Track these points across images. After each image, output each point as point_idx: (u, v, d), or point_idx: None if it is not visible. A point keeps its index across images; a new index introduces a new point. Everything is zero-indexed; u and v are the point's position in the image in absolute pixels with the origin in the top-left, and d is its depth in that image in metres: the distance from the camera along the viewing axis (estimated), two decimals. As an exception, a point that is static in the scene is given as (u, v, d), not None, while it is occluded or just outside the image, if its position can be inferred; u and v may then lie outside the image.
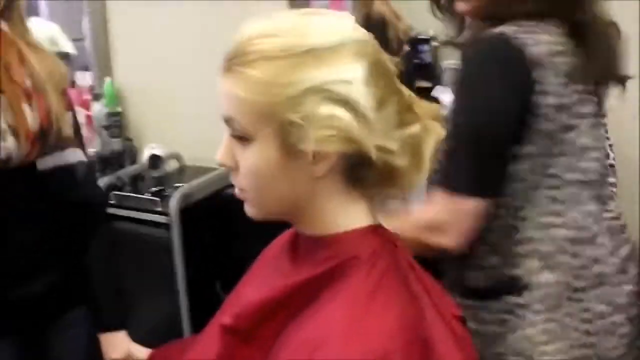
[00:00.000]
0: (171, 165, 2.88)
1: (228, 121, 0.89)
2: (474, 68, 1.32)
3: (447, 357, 0.89)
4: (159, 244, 2.51)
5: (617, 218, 1.41)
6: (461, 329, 0.98)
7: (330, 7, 2.78)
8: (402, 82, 0.95)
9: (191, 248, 2.52)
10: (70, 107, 1.68)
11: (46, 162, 1.59)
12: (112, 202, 2.60)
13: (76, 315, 1.71)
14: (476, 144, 1.30)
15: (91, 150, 2.83)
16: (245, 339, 0.94)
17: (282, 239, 1.05)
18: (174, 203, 2.46)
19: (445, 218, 1.32)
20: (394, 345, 0.82)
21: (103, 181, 2.62)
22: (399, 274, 0.91)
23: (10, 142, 1.51)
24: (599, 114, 1.39)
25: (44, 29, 3.39)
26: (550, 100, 1.27)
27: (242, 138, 0.88)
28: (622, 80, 1.39)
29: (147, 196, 2.61)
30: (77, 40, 3.34)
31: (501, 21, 1.30)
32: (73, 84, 3.07)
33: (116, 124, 2.99)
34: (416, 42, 2.83)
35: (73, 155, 1.63)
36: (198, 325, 1.01)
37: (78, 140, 1.68)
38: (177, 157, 2.90)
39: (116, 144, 2.97)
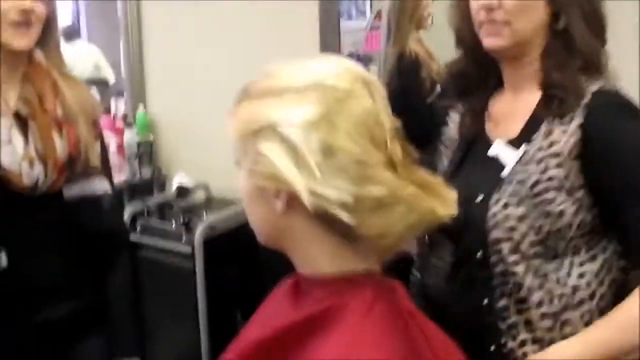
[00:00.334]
0: (198, 196, 2.90)
1: (237, 139, 0.95)
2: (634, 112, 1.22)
3: None
4: (182, 274, 2.52)
5: None
6: None
7: (365, 43, 2.81)
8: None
9: (214, 279, 2.52)
10: (99, 137, 1.70)
11: (72, 191, 1.61)
12: (138, 230, 2.62)
13: (95, 343, 1.72)
14: None
15: (121, 177, 2.86)
16: None
17: (289, 280, 1.05)
18: (198, 234, 2.47)
19: None
20: None
21: (130, 209, 2.64)
22: (392, 321, 0.90)
23: (38, 170, 1.54)
24: None
25: (89, 54, 3.48)
26: None
27: (237, 165, 0.95)
28: None
29: (173, 226, 2.62)
30: (114, 63, 3.42)
31: (523, 60, 1.29)
32: (107, 110, 3.11)
33: (147, 152, 3.03)
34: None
35: (99, 186, 1.65)
36: (218, 355, 1.01)
37: (105, 171, 1.70)
38: (204, 187, 2.91)
39: (146, 172, 3.00)
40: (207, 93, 2.90)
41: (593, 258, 1.24)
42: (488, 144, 1.32)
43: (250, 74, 0.97)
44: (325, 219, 0.89)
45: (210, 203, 2.87)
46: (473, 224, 1.24)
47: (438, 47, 2.53)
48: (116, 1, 3.13)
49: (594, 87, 1.22)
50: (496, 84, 1.38)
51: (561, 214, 1.20)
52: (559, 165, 1.20)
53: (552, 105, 1.23)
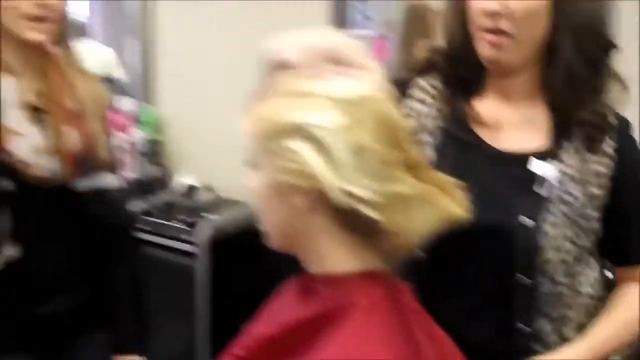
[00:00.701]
0: (205, 196, 2.92)
1: (244, 149, 0.96)
2: None
3: None
4: (186, 273, 2.53)
5: None
6: None
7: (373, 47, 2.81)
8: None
9: (218, 279, 2.53)
10: (108, 131, 1.72)
11: (82, 184, 1.63)
12: (143, 228, 2.63)
13: (97, 337, 1.73)
14: None
15: (129, 175, 2.88)
16: None
17: (296, 278, 1.06)
18: (203, 234, 2.48)
19: None
20: None
21: (137, 206, 2.65)
22: (399, 320, 0.92)
23: (50, 162, 1.55)
24: None
25: (99, 53, 3.49)
26: None
27: (253, 165, 0.96)
28: None
29: (178, 225, 2.63)
30: (125, 63, 3.45)
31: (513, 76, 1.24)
32: (116, 108, 3.13)
33: (155, 151, 3.05)
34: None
35: (108, 179, 1.67)
36: (217, 356, 1.03)
37: (113, 165, 1.72)
38: (211, 188, 2.93)
39: (153, 171, 3.02)
40: (216, 93, 2.92)
41: (594, 266, 1.28)
42: (491, 152, 1.25)
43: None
44: (346, 217, 0.91)
45: (216, 203, 2.89)
46: (521, 247, 1.19)
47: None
48: (127, 0, 3.16)
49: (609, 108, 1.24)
50: (478, 87, 1.30)
51: (595, 230, 1.23)
52: (599, 185, 1.22)
53: (579, 136, 1.22)
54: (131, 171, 3.00)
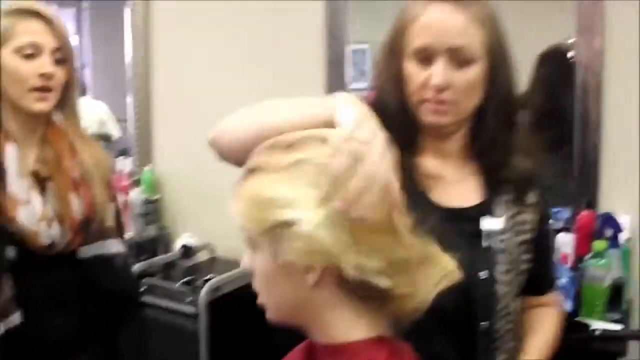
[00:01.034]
0: (203, 256, 2.91)
1: (242, 229, 0.94)
2: None
3: None
4: (187, 334, 2.51)
5: None
6: None
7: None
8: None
9: (218, 339, 2.51)
10: (113, 198, 1.73)
11: (87, 251, 1.63)
12: (143, 289, 2.62)
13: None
14: None
15: (126, 236, 2.87)
16: None
17: (299, 347, 1.06)
18: (203, 295, 2.47)
19: None
20: None
21: (135, 267, 2.64)
22: None
23: (55, 229, 1.56)
24: None
25: (94, 110, 3.51)
26: None
27: (253, 244, 0.94)
28: None
29: (177, 286, 2.62)
30: (120, 121, 3.46)
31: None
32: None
33: (152, 211, 3.04)
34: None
35: (113, 246, 1.67)
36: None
37: (119, 231, 1.72)
38: (209, 247, 2.93)
39: (151, 231, 3.02)
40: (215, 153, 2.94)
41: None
42: (439, 207, 1.30)
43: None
44: (354, 287, 0.91)
45: (214, 263, 2.88)
46: (481, 298, 1.29)
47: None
48: (124, 59, 3.20)
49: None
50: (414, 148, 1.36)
51: (526, 270, 1.37)
52: (527, 232, 1.36)
53: (507, 191, 1.34)
54: (129, 231, 2.99)
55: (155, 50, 3.19)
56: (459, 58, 1.22)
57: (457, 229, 1.27)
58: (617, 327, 1.93)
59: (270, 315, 0.97)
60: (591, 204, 2.21)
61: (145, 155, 3.23)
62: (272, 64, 2.81)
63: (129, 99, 3.25)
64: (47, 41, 1.56)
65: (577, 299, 2.02)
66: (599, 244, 2.03)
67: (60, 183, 1.59)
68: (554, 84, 2.41)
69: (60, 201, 1.58)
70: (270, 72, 2.81)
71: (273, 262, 0.91)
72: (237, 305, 2.58)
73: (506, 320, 1.33)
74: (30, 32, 1.55)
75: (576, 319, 1.96)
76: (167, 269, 2.82)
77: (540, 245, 1.39)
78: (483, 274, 1.29)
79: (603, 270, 2.00)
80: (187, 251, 2.82)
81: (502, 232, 1.31)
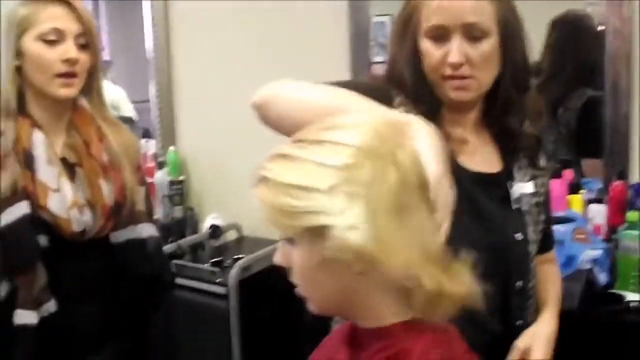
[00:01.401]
0: (231, 236, 2.92)
1: (275, 225, 0.92)
2: None
3: None
4: (216, 314, 2.52)
5: None
6: None
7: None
8: None
9: (248, 319, 2.52)
10: (143, 182, 1.72)
11: (119, 236, 1.63)
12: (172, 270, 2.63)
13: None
14: None
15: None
16: None
17: (340, 329, 1.05)
18: (232, 275, 2.47)
19: None
20: None
21: (164, 249, 2.65)
22: None
23: (86, 216, 1.56)
24: None
25: (107, 93, 3.51)
26: None
27: (289, 240, 0.92)
28: None
29: (206, 266, 2.63)
30: (142, 102, 3.43)
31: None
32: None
33: (178, 192, 3.05)
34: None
35: (145, 230, 1.67)
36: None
37: (150, 215, 1.72)
38: (237, 227, 2.93)
39: (178, 212, 3.02)
40: (239, 132, 2.92)
41: None
42: (470, 173, 1.33)
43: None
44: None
45: (242, 243, 2.89)
46: (516, 259, 1.37)
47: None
48: (144, 41, 3.19)
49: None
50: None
51: (542, 228, 1.45)
52: (542, 193, 1.43)
53: (523, 157, 1.41)
54: (156, 213, 3.00)
55: (176, 32, 3.17)
56: (473, 33, 1.26)
57: (489, 193, 1.35)
58: (653, 298, 1.92)
59: (314, 308, 0.96)
60: (623, 174, 2.18)
61: (169, 137, 3.23)
62: (295, 40, 2.79)
63: (151, 81, 3.24)
64: (70, 26, 1.55)
65: (612, 271, 1.99)
66: (632, 215, 2.01)
67: (90, 169, 1.59)
68: (561, 50, 2.43)
69: (90, 187, 1.58)
70: (293, 49, 2.79)
71: (315, 258, 0.89)
72: (267, 284, 2.58)
73: (534, 279, 1.41)
74: (52, 17, 1.54)
75: (610, 290, 1.95)
76: (195, 250, 2.82)
77: (546, 205, 1.46)
78: (518, 236, 1.36)
79: (637, 240, 1.97)
80: (215, 231, 2.82)
81: (532, 195, 1.39)
